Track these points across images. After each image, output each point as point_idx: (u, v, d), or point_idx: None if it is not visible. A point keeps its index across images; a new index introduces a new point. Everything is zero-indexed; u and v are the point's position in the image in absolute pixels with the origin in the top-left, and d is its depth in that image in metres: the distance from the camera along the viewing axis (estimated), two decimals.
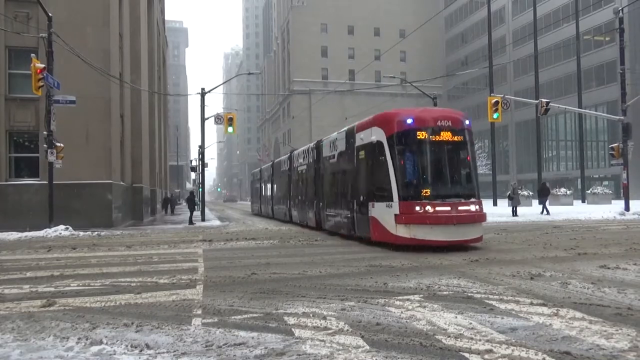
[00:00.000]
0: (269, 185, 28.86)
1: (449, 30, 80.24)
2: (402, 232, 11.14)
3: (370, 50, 73.87)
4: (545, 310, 5.38)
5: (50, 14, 17.97)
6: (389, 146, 11.58)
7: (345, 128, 15.01)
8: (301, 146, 25.76)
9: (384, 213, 11.63)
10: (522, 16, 62.41)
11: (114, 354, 4.10)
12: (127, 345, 4.31)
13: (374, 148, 12.14)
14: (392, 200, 11.32)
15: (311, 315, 5.29)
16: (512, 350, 4.01)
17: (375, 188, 12.11)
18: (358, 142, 13.43)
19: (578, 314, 5.17)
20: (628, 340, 4.26)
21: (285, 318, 5.19)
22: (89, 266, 9.58)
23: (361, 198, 12.98)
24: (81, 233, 17.40)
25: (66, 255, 11.47)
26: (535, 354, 3.92)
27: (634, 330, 4.53)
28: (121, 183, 23.11)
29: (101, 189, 20.55)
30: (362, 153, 13.11)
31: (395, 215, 11.18)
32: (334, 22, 77.04)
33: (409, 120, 11.53)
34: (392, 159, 11.48)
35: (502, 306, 5.61)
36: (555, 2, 57.42)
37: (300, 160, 20.66)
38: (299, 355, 4.00)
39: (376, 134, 12.16)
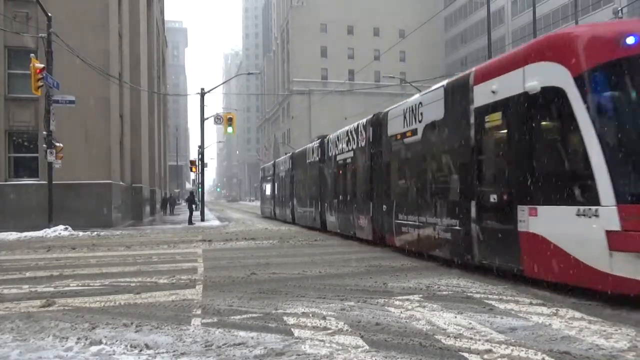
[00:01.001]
0: (288, 183, 23.75)
1: (448, 30, 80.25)
2: (627, 268, 5.48)
3: (370, 51, 73.76)
4: (544, 310, 5.39)
5: (49, 14, 17.97)
6: (582, 94, 6.05)
7: (442, 83, 9.46)
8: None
9: (571, 228, 6.10)
10: (521, 16, 62.46)
11: (114, 354, 4.10)
12: (126, 346, 4.31)
13: (536, 103, 6.73)
14: (594, 202, 5.80)
15: (311, 315, 5.29)
16: (512, 350, 4.01)
17: (541, 178, 6.62)
18: (482, 101, 7.83)
19: (577, 314, 5.17)
20: (627, 340, 4.27)
21: (285, 318, 5.19)
22: (89, 266, 9.57)
23: (492, 198, 7.48)
24: (80, 233, 17.39)
25: (65, 255, 11.46)
26: (535, 354, 3.92)
27: (633, 330, 4.53)
28: (120, 183, 23.10)
29: (100, 189, 20.54)
30: (494, 118, 7.59)
31: (609, 233, 5.62)
32: (334, 22, 76.99)
33: (630, 40, 6.01)
34: (593, 118, 5.94)
35: (502, 306, 5.61)
36: (555, 2, 57.46)
37: (342, 146, 15.32)
38: (299, 355, 3.99)
39: (542, 76, 6.61)
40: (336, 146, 16.07)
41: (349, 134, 14.73)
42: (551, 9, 58.04)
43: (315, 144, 18.90)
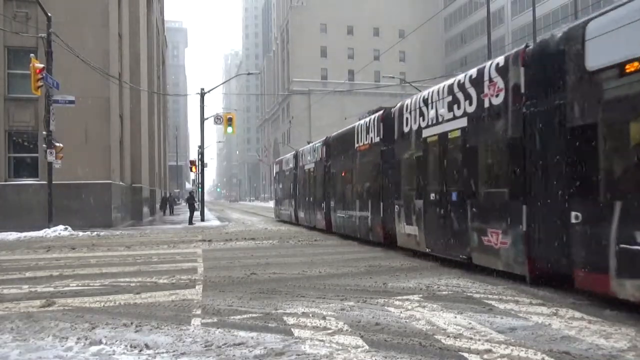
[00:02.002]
0: (319, 178, 18.09)
1: (448, 30, 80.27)
2: None
3: (370, 50, 73.85)
4: (544, 310, 5.39)
5: (49, 14, 17.96)
6: None
7: None
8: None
9: None
10: (521, 16, 62.47)
11: (113, 354, 4.10)
12: (126, 346, 4.31)
13: None
14: None
15: (310, 315, 5.29)
16: (512, 350, 4.01)
17: None
18: None
19: (577, 314, 5.18)
20: (627, 340, 4.27)
21: (285, 318, 5.19)
22: (88, 266, 9.57)
23: None
24: (80, 233, 17.39)
25: (65, 255, 11.45)
26: (535, 354, 3.93)
27: (633, 330, 4.54)
28: (120, 183, 23.10)
29: (100, 189, 20.54)
30: None
31: None
32: (334, 22, 77.08)
33: None
34: None
35: (502, 306, 5.61)
36: (555, 2, 57.48)
37: (437, 113, 9.43)
38: (298, 355, 4.00)
39: None
40: (421, 115, 10.18)
41: (455, 90, 8.87)
42: (551, 9, 58.05)
43: (372, 119, 12.85)
